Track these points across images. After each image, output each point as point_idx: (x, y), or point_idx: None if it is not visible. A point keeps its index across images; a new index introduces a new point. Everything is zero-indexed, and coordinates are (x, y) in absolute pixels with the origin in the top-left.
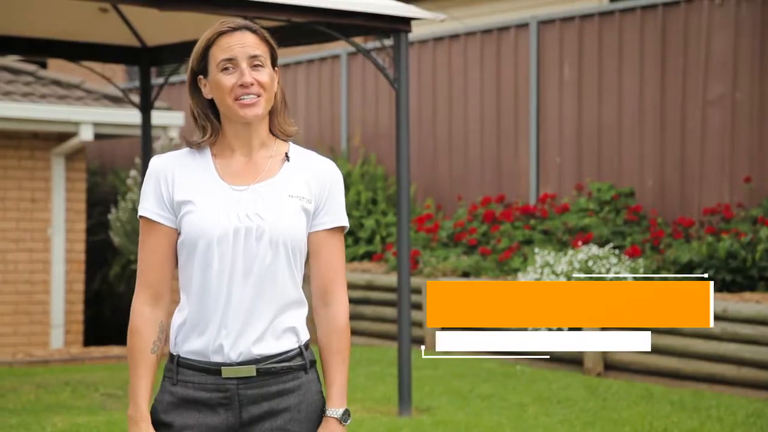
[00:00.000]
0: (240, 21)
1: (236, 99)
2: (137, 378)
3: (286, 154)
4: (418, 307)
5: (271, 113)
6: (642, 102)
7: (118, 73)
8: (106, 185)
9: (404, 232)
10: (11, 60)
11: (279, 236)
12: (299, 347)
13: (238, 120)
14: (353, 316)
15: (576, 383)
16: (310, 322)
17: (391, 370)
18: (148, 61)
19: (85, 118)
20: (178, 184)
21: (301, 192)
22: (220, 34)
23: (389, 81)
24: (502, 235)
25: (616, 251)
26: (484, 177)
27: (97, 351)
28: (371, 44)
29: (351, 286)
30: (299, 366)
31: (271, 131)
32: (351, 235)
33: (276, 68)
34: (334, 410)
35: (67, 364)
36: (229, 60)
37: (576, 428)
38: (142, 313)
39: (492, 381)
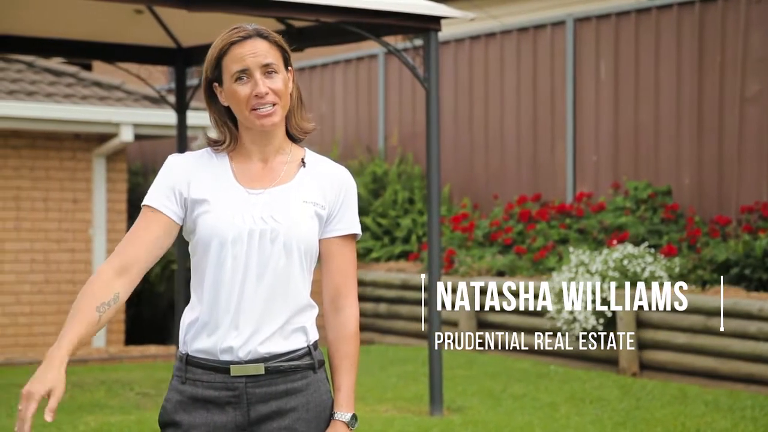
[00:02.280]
0: (250, 28)
1: (252, 109)
2: (71, 325)
3: (302, 159)
4: (452, 306)
5: (288, 113)
6: (679, 99)
7: (154, 74)
8: (147, 185)
9: (435, 232)
10: (56, 62)
11: (293, 240)
12: (308, 347)
13: (255, 129)
14: (389, 316)
15: (610, 383)
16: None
17: (424, 369)
18: (183, 62)
19: (125, 119)
20: (195, 184)
21: (315, 198)
22: (232, 44)
23: (419, 80)
24: (537, 234)
25: (652, 250)
26: (520, 176)
27: (135, 350)
28: (402, 44)
29: (387, 286)
30: (307, 365)
31: (288, 131)
32: (387, 235)
33: (290, 69)
34: (343, 414)
35: (105, 364)
36: (243, 71)
37: (607, 428)
38: (104, 274)
39: (525, 381)
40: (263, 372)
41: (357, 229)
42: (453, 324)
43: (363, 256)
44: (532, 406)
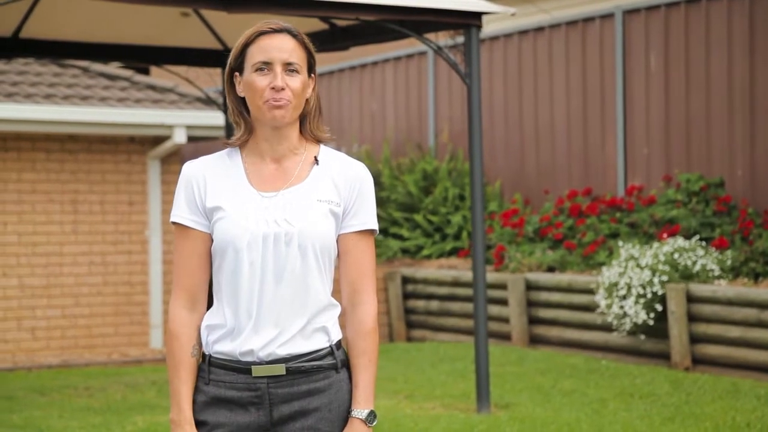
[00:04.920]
0: (282, 24)
1: (266, 101)
2: (179, 381)
3: (316, 157)
4: (503, 302)
5: (303, 119)
6: (731, 90)
7: (201, 75)
8: None
9: (479, 229)
10: (112, 66)
11: (307, 241)
12: (330, 347)
13: (266, 122)
14: (441, 313)
15: (661, 378)
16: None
17: (474, 366)
18: None
19: (178, 121)
20: (210, 190)
21: (329, 196)
22: (261, 34)
23: (461, 77)
24: (587, 229)
25: (703, 243)
26: (571, 170)
27: None
28: (444, 41)
29: (438, 283)
30: (330, 365)
31: (302, 135)
32: (438, 232)
33: (313, 75)
34: (359, 411)
35: (159, 364)
36: (265, 63)
37: (655, 423)
38: (180, 317)
39: (575, 377)
40: (285, 372)
41: (373, 224)
42: (504, 320)
43: (414, 253)
44: (581, 401)
